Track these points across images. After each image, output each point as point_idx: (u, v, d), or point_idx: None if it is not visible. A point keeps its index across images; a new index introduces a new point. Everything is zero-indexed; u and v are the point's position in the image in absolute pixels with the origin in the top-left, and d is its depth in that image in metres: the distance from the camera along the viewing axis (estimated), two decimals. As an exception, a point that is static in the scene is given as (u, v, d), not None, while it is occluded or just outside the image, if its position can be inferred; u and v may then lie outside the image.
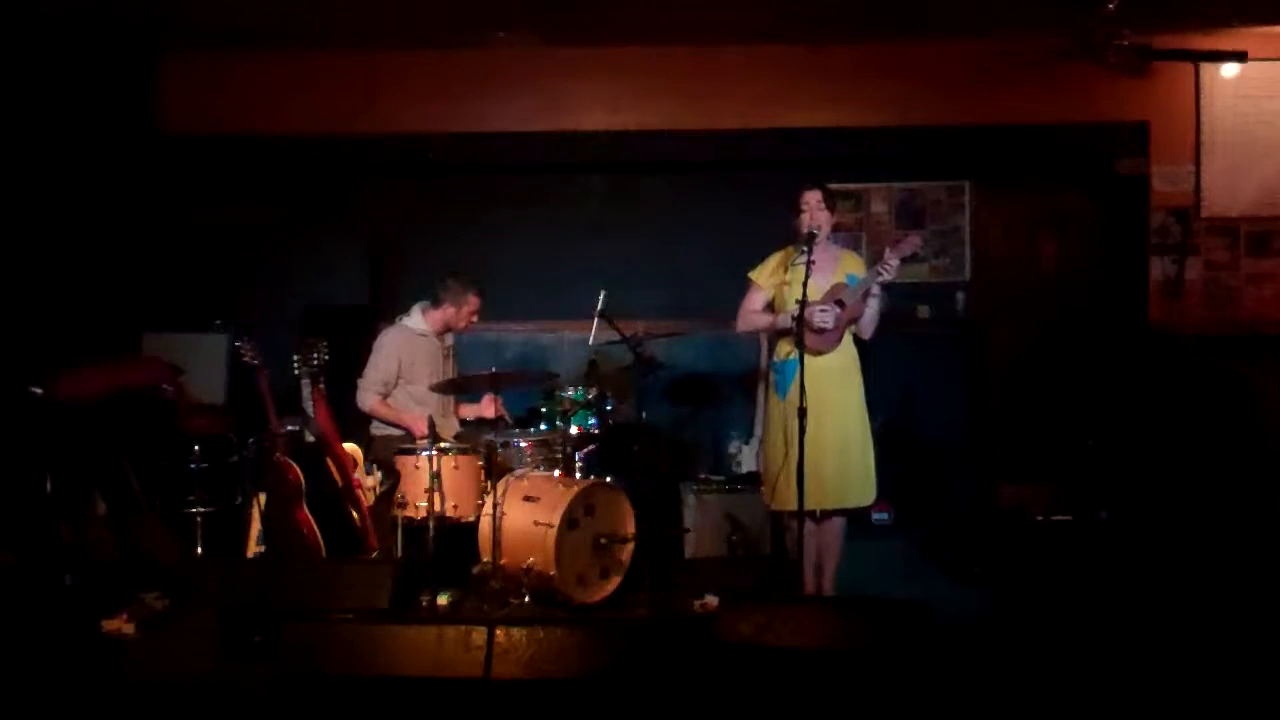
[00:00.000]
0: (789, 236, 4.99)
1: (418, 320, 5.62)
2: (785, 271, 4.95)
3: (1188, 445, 6.02)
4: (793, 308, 4.67)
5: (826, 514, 4.94)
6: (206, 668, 4.16)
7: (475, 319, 5.71)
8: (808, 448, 4.58)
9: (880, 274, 4.80)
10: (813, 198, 4.88)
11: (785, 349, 4.87)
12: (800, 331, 4.63)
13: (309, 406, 5.25)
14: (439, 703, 3.64)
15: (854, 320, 4.91)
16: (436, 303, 5.63)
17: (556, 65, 6.64)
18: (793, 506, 4.65)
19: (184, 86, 6.60)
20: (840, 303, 4.84)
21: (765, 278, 5.02)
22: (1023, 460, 6.85)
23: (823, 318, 4.79)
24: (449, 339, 5.77)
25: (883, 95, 6.62)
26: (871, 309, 4.92)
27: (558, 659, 3.66)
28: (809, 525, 4.86)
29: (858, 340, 4.99)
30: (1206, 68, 6.56)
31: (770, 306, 5.00)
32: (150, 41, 6.41)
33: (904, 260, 4.85)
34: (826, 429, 4.75)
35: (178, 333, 6.43)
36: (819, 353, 4.81)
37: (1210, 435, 5.95)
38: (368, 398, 5.51)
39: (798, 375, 4.63)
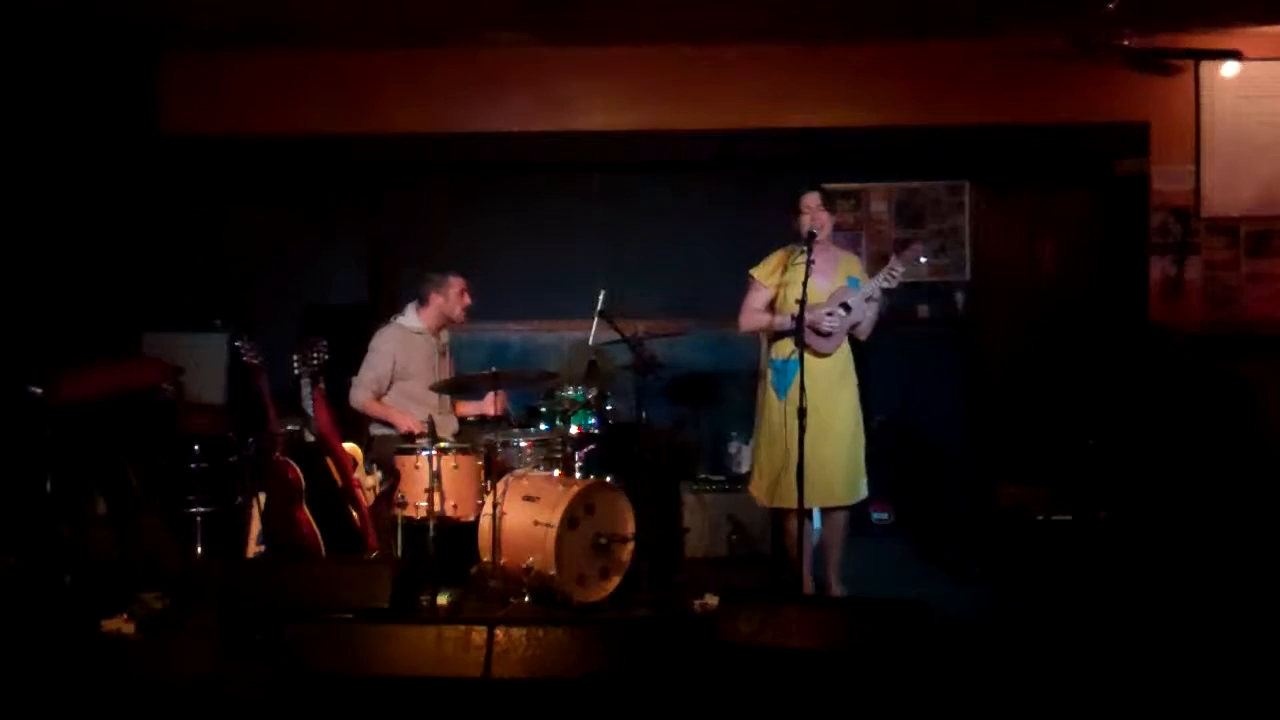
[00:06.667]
0: (789, 236, 5.00)
1: (412, 319, 5.62)
2: (784, 271, 4.96)
3: (1188, 445, 6.02)
4: (793, 308, 4.68)
5: (827, 510, 4.95)
6: (206, 668, 4.16)
7: (467, 300, 5.63)
8: (807, 447, 4.60)
9: (886, 281, 4.85)
10: (811, 200, 4.90)
11: (786, 349, 4.89)
12: (801, 332, 4.65)
13: (309, 406, 5.25)
14: (439, 703, 3.64)
15: (856, 324, 4.93)
16: (424, 300, 5.62)
17: (556, 65, 6.64)
18: (793, 504, 4.67)
19: (184, 86, 6.60)
20: (846, 306, 4.86)
21: (767, 276, 5.04)
22: (1023, 460, 6.85)
23: (830, 322, 4.83)
24: (444, 336, 5.76)
25: (883, 95, 6.62)
26: (871, 312, 4.96)
27: (558, 659, 3.65)
28: (809, 522, 4.88)
29: (854, 340, 5.02)
30: (1206, 67, 6.56)
31: (772, 305, 5.01)
32: (150, 41, 6.41)
33: (908, 267, 4.89)
34: (825, 428, 4.78)
35: (178, 333, 6.43)
36: (821, 355, 4.84)
37: (1210, 435, 5.95)
38: (360, 395, 5.50)
39: (798, 375, 4.65)
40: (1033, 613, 5.03)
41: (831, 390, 4.87)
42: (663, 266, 7.03)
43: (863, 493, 5.01)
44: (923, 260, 5.09)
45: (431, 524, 5.02)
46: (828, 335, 4.84)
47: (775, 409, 4.92)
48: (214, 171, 6.90)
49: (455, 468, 5.13)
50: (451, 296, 5.61)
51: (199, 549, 5.72)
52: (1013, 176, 7.20)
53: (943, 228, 7.20)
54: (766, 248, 5.12)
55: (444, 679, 3.65)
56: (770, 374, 5.01)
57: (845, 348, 4.99)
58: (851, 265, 5.07)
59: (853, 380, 5.00)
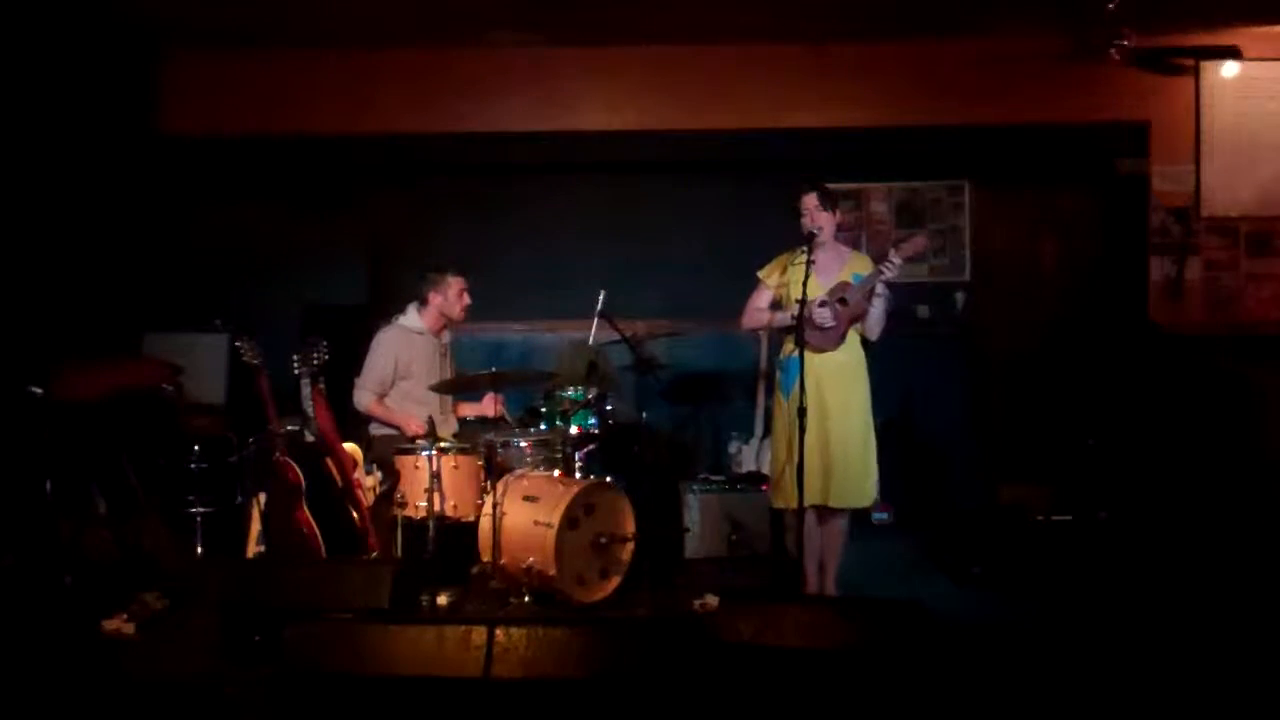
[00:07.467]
0: (789, 235, 4.99)
1: (414, 319, 5.61)
2: (784, 271, 4.96)
3: (1188, 445, 6.02)
4: (794, 306, 4.68)
5: (829, 512, 4.95)
6: (206, 668, 4.16)
7: (466, 299, 5.61)
8: (808, 446, 4.60)
9: (883, 273, 4.80)
10: (810, 201, 4.89)
11: (789, 347, 4.88)
12: (800, 330, 4.65)
13: (309, 406, 5.25)
14: (439, 703, 3.64)
15: (857, 319, 4.90)
16: (424, 301, 5.62)
17: (556, 65, 6.64)
18: (794, 504, 4.66)
19: (184, 86, 6.60)
20: (843, 300, 4.85)
21: (769, 275, 5.04)
22: (1023, 460, 6.85)
23: (822, 314, 4.80)
24: (446, 337, 5.76)
25: (883, 95, 6.62)
26: (877, 309, 4.91)
27: (558, 659, 3.65)
28: (811, 522, 4.87)
29: (865, 341, 4.99)
30: (1207, 67, 6.55)
31: (777, 305, 5.01)
32: (151, 41, 6.41)
33: (908, 260, 4.87)
34: (828, 427, 4.78)
35: (178, 333, 6.44)
36: (820, 350, 4.82)
37: (1210, 435, 5.95)
38: (364, 397, 5.51)
39: (799, 373, 4.65)
40: (1033, 613, 5.03)
41: (840, 390, 4.85)
42: (663, 266, 7.03)
43: (870, 497, 4.96)
44: (921, 252, 5.06)
45: (431, 524, 5.01)
46: (823, 329, 4.81)
47: (780, 407, 4.94)
48: (214, 171, 6.90)
49: (455, 468, 5.13)
50: (450, 296, 5.60)
51: (199, 549, 5.72)
52: (1013, 176, 7.20)
53: (943, 228, 7.21)
54: (766, 248, 5.12)
55: (444, 679, 3.65)
56: (776, 373, 5.01)
57: (854, 347, 4.94)
58: (861, 264, 5.01)
59: (865, 382, 4.95)
